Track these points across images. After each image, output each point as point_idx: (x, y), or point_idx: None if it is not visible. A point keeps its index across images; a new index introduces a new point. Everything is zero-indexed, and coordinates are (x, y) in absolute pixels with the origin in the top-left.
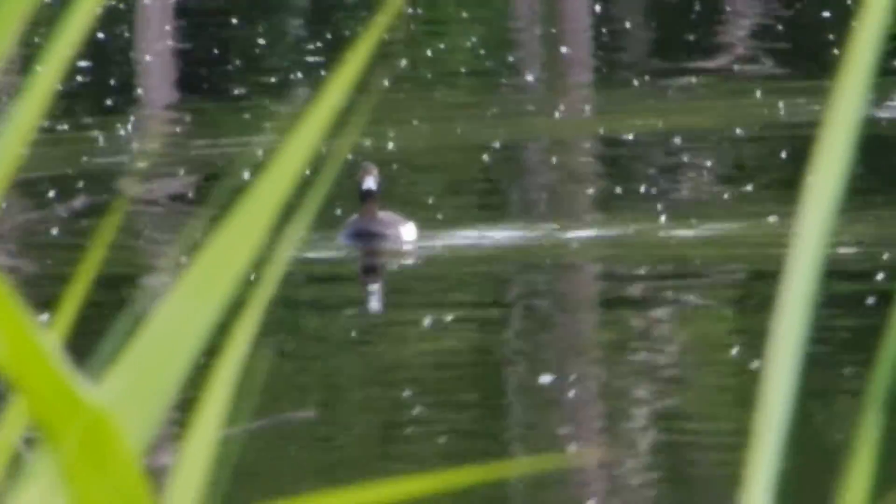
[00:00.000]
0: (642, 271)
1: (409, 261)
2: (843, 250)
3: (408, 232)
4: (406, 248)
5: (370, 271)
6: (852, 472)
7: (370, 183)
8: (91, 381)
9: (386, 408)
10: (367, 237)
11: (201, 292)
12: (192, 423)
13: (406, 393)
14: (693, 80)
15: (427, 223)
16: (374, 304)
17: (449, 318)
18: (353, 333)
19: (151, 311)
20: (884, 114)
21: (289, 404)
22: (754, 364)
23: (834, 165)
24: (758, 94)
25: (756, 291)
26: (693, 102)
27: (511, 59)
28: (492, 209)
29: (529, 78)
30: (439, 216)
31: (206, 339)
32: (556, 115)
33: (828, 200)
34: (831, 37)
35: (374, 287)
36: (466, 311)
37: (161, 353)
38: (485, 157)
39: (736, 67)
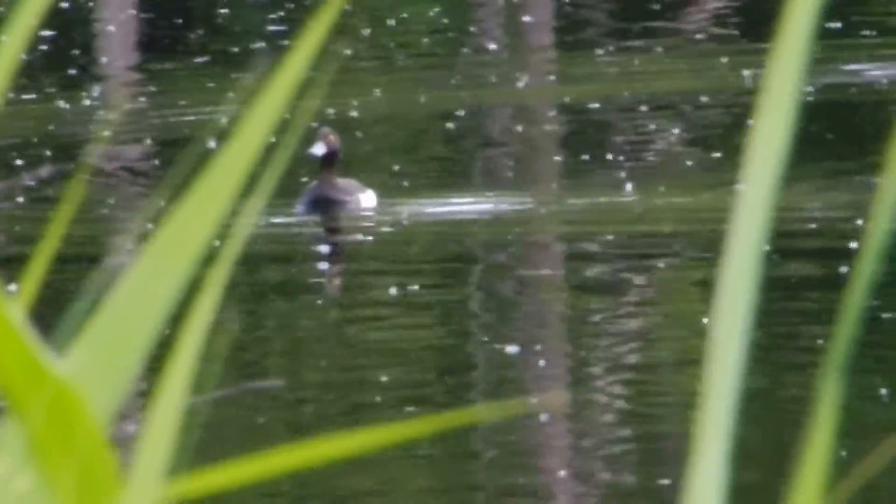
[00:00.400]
0: (610, 241)
1: (371, 229)
2: (815, 217)
3: (367, 199)
4: (366, 215)
5: (331, 240)
6: (811, 443)
7: (327, 148)
8: (57, 352)
9: (353, 378)
10: (325, 204)
11: (165, 261)
12: (158, 392)
13: (373, 362)
14: (658, 47)
15: (390, 192)
16: (337, 273)
17: (413, 287)
18: (318, 303)
19: (115, 282)
20: (853, 79)
21: (255, 374)
22: None
23: (774, 132)
24: (723, 59)
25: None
26: (658, 68)
27: (473, 28)
28: (455, 178)
29: (492, 46)
30: (404, 184)
31: (171, 308)
32: (520, 83)
33: (770, 167)
34: None
35: (336, 256)
36: (430, 281)
37: (125, 324)
38: (449, 125)
39: (700, 33)
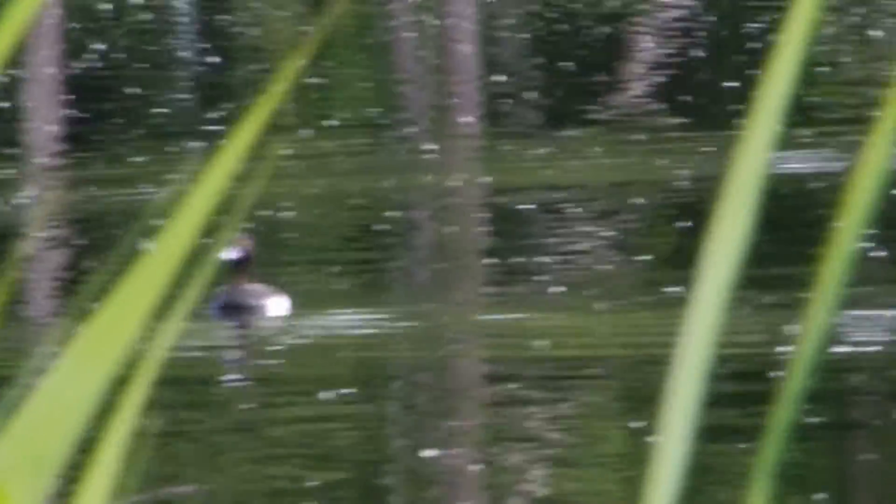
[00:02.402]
0: (532, 359)
1: (284, 336)
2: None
3: (278, 305)
4: (276, 322)
5: (242, 347)
6: None
7: (240, 252)
8: None
9: (269, 485)
10: (234, 310)
11: (90, 360)
12: (77, 497)
13: (289, 470)
14: (592, 137)
15: (308, 299)
16: (247, 381)
17: (327, 397)
18: (229, 411)
19: (40, 381)
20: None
21: (169, 482)
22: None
23: (734, 230)
24: (656, 150)
25: (657, 385)
26: (592, 161)
27: (406, 129)
28: (375, 288)
29: (428, 146)
30: (323, 291)
31: (94, 409)
32: (450, 181)
33: (726, 271)
34: (732, 103)
35: (246, 365)
36: (345, 393)
37: (49, 422)
38: (378, 226)
39: (634, 123)
